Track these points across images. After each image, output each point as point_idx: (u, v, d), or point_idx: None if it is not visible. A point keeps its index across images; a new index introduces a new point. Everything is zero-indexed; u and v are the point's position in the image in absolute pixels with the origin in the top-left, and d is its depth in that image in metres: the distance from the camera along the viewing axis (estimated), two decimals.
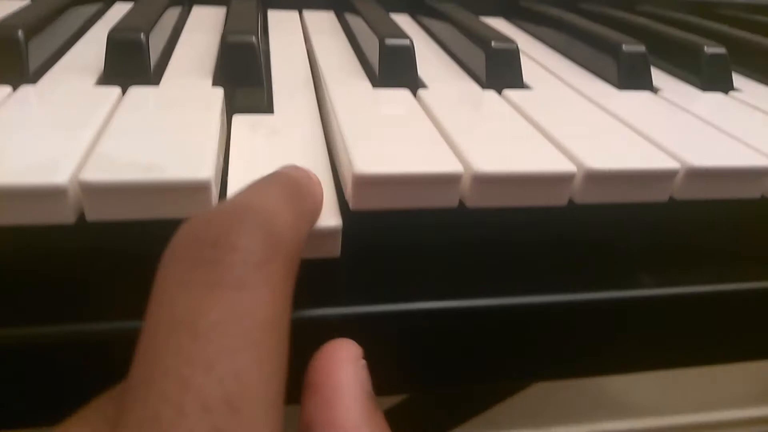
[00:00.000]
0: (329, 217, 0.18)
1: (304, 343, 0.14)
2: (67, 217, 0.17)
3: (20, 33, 0.24)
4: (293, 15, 0.39)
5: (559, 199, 0.21)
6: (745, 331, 0.23)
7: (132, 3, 0.37)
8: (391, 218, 0.20)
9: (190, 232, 0.12)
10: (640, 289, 0.21)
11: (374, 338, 0.17)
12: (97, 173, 0.17)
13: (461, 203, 0.20)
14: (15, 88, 0.23)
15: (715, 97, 0.30)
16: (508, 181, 0.20)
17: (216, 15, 0.37)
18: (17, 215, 0.17)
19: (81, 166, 0.18)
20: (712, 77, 0.31)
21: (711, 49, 0.31)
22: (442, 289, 0.20)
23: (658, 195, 0.22)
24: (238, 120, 0.23)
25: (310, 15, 0.39)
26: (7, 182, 0.17)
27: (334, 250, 0.18)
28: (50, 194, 0.17)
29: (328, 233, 0.18)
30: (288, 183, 0.15)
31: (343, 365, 0.14)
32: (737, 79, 0.33)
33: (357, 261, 0.20)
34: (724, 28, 0.37)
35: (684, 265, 0.23)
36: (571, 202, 0.21)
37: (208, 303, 0.10)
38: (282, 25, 0.37)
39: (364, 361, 0.14)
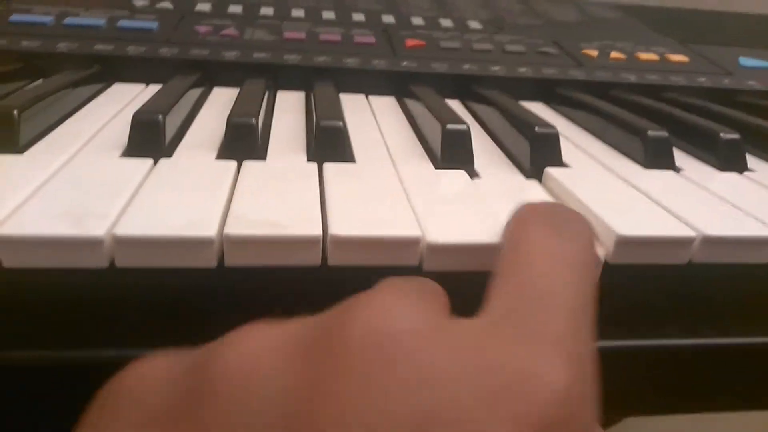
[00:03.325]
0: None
1: None
2: (210, 262, 0.23)
3: (160, 117, 0.30)
4: (361, 98, 0.46)
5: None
6: None
7: (228, 87, 0.44)
8: (458, 278, 0.24)
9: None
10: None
11: None
12: (238, 228, 0.23)
13: None
14: (156, 161, 0.29)
15: (731, 177, 0.35)
16: None
17: (298, 98, 0.44)
18: (169, 260, 0.23)
19: (221, 223, 0.23)
20: (728, 159, 0.36)
21: (726, 135, 0.36)
22: None
23: (677, 258, 0.26)
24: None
25: (373, 99, 0.46)
26: (167, 234, 0.22)
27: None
28: (201, 244, 0.22)
29: None
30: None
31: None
32: (752, 161, 0.37)
33: None
34: (741, 115, 0.41)
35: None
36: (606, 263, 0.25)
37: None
38: (352, 106, 0.43)
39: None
